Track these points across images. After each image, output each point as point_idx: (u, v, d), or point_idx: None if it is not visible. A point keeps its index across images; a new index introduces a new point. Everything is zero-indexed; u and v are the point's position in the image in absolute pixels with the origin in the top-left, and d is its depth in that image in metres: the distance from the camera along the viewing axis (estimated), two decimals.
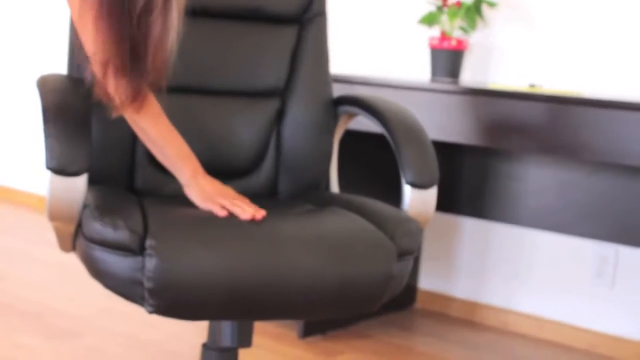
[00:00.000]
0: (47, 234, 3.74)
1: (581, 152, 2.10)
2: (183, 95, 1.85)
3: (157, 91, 1.61)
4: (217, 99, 1.87)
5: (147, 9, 1.45)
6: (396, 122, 1.74)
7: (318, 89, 1.91)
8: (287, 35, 1.92)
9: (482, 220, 2.91)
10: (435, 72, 2.78)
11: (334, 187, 1.94)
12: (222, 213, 1.54)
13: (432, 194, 1.66)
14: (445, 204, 2.95)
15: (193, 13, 1.87)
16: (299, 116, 1.89)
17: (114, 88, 1.48)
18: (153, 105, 1.60)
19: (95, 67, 1.47)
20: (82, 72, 1.75)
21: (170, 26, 1.50)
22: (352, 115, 1.92)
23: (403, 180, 1.66)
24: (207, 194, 1.60)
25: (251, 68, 1.89)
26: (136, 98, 1.52)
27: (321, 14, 1.96)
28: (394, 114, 1.76)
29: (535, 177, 2.76)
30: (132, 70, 1.47)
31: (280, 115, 1.90)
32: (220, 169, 1.85)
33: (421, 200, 1.66)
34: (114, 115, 1.57)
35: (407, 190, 1.66)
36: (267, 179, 1.89)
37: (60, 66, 3.98)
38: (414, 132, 1.72)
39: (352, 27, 3.17)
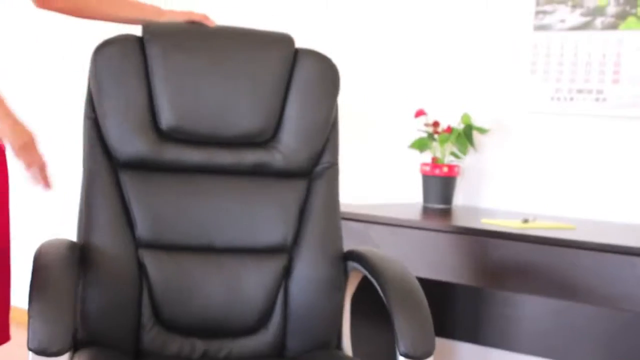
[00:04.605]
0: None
1: (577, 295, 2.07)
2: (186, 254, 1.80)
3: None
4: (222, 257, 1.82)
5: None
6: (393, 286, 1.66)
7: (327, 244, 1.86)
8: (296, 189, 1.87)
9: (477, 345, 2.87)
10: (427, 198, 2.77)
11: (346, 346, 1.86)
12: None
13: None
14: (440, 329, 2.91)
15: (199, 170, 1.83)
16: (307, 273, 1.83)
17: None
18: None
19: None
20: (89, 237, 1.72)
21: None
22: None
23: (397, 351, 1.59)
24: None
25: (257, 224, 1.83)
26: None
27: (332, 166, 1.90)
28: (391, 277, 1.68)
29: (531, 303, 2.74)
30: None
31: (287, 271, 1.84)
32: (225, 328, 1.80)
33: None
34: None
35: None
36: (274, 338, 1.83)
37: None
38: (410, 298, 1.64)
39: (343, 154, 3.16)
